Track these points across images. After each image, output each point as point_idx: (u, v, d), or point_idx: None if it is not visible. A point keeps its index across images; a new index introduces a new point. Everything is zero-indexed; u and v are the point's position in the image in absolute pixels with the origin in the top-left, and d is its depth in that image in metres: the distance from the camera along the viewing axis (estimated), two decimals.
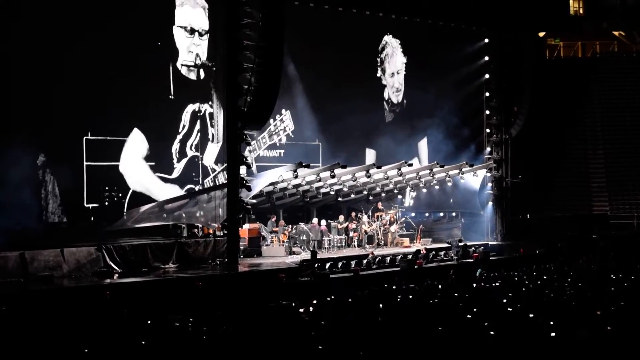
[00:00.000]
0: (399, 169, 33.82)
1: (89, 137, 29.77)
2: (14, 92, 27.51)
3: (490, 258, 32.63)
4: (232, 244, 28.47)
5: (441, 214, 40.01)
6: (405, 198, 37.70)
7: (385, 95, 39.74)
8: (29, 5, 27.84)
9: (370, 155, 38.63)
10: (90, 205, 30.00)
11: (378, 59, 39.26)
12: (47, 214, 28.66)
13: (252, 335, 14.42)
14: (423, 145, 40.75)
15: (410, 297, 19.71)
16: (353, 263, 29.44)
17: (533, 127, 41.88)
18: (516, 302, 17.34)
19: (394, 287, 22.61)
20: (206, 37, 33.02)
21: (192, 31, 32.62)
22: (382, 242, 34.80)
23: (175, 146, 32.22)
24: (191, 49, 32.60)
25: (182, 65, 32.36)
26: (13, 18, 27.60)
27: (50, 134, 27.37)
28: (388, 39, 39.51)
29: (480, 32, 41.18)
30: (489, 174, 39.90)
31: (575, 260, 29.68)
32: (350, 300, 19.28)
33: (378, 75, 39.34)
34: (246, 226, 31.06)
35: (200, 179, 32.85)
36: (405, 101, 40.17)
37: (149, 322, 15.86)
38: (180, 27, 32.35)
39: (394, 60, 39.78)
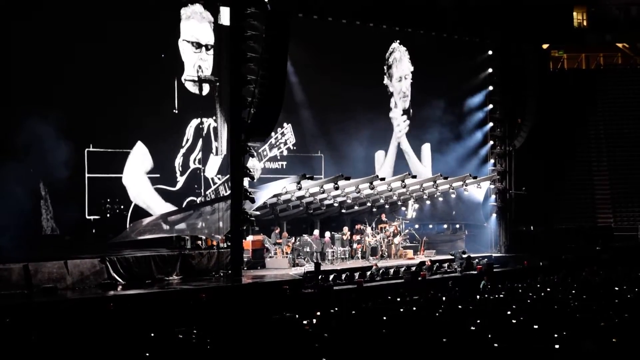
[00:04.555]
0: (403, 181, 33.81)
1: (91, 149, 29.84)
2: (15, 102, 27.55)
3: (494, 270, 32.56)
4: (236, 255, 28.43)
5: (445, 226, 39.92)
6: (408, 210, 37.67)
7: (392, 104, 39.78)
8: (32, 14, 27.90)
9: (379, 161, 38.77)
10: (92, 217, 30.04)
11: (385, 66, 39.32)
12: (48, 225, 28.68)
13: (256, 348, 14.42)
14: (426, 149, 40.79)
15: (414, 308, 19.70)
16: (357, 275, 29.40)
17: (537, 139, 41.84)
18: (520, 314, 17.32)
19: (398, 299, 22.59)
20: (212, 51, 33.07)
21: (198, 46, 32.69)
22: (386, 253, 34.77)
23: (179, 160, 32.28)
24: (197, 63, 32.66)
25: (186, 80, 32.43)
26: (15, 26, 27.68)
27: (52, 145, 27.38)
28: (396, 45, 39.58)
29: (484, 44, 41.20)
30: (492, 186, 39.87)
31: (579, 272, 29.63)
32: (354, 312, 19.26)
33: (385, 82, 39.38)
34: (250, 238, 31.04)
35: (202, 190, 32.89)
36: (412, 110, 40.24)
37: (153, 334, 15.86)
38: (187, 41, 32.42)
39: (402, 65, 39.83)
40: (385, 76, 39.41)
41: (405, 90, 40.07)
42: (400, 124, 40.01)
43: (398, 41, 39.62)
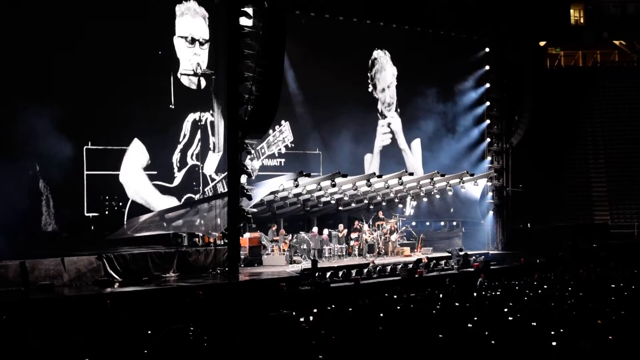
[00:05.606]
0: (400, 178, 33.79)
1: (89, 146, 29.83)
2: (13, 100, 27.48)
3: (491, 267, 32.56)
4: (233, 253, 28.43)
5: (442, 223, 39.92)
6: (406, 207, 37.65)
7: (379, 108, 39.73)
8: (29, 12, 27.88)
9: (367, 161, 38.76)
10: (91, 215, 30.04)
11: (369, 75, 39.24)
12: (47, 223, 28.67)
13: (253, 345, 14.42)
14: (416, 145, 40.79)
15: (411, 306, 19.70)
16: (354, 272, 29.39)
17: (534, 137, 41.85)
18: (517, 312, 17.33)
19: (395, 296, 22.59)
20: (206, 46, 33.07)
21: (192, 41, 32.68)
22: (383, 251, 34.74)
23: (176, 155, 32.27)
24: (192, 59, 32.66)
25: (182, 74, 32.42)
26: (10, 24, 27.63)
27: (50, 142, 27.35)
28: (377, 53, 39.46)
29: (481, 41, 41.20)
30: (489, 183, 39.84)
31: (576, 269, 29.65)
32: (351, 309, 19.27)
33: (369, 90, 39.32)
34: (247, 235, 31.03)
35: (200, 188, 32.87)
36: (399, 110, 40.21)
37: (150, 331, 15.85)
38: (181, 37, 32.42)
39: (383, 75, 39.73)
40: (369, 85, 39.26)
41: (390, 99, 39.98)
42: (385, 131, 39.92)
43: (378, 49, 39.43)
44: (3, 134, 27.51)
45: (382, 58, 39.67)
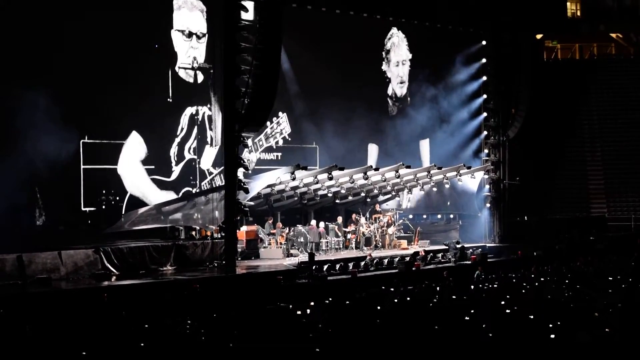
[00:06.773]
0: (397, 171, 33.77)
1: (86, 140, 29.78)
2: (9, 94, 27.41)
3: (488, 260, 32.61)
4: (230, 246, 28.38)
5: (439, 216, 39.95)
6: (403, 200, 37.64)
7: (389, 91, 39.77)
8: (26, 6, 27.81)
9: (372, 150, 38.75)
10: (88, 209, 30.00)
11: (383, 51, 39.29)
12: (44, 217, 28.63)
13: (250, 338, 14.43)
14: (425, 145, 40.82)
15: (408, 299, 19.73)
16: (351, 265, 29.41)
17: (531, 129, 41.83)
18: (514, 304, 17.35)
19: (392, 289, 22.60)
20: (204, 40, 33.04)
21: (190, 34, 32.65)
22: (380, 244, 34.73)
23: (174, 149, 32.24)
24: (189, 52, 32.63)
25: (180, 68, 32.39)
26: (7, 16, 27.56)
27: (47, 136, 27.29)
28: (395, 30, 39.61)
29: (478, 34, 41.16)
30: (486, 176, 39.81)
31: (573, 262, 29.70)
32: (348, 302, 19.29)
33: (383, 68, 39.33)
34: (244, 228, 31.02)
35: (197, 182, 32.85)
36: (409, 98, 40.29)
37: (147, 324, 15.87)
38: (178, 30, 32.38)
39: (399, 50, 39.88)
40: (383, 62, 39.37)
41: (403, 75, 40.06)
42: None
43: (396, 27, 39.63)
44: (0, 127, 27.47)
45: (400, 35, 39.75)
